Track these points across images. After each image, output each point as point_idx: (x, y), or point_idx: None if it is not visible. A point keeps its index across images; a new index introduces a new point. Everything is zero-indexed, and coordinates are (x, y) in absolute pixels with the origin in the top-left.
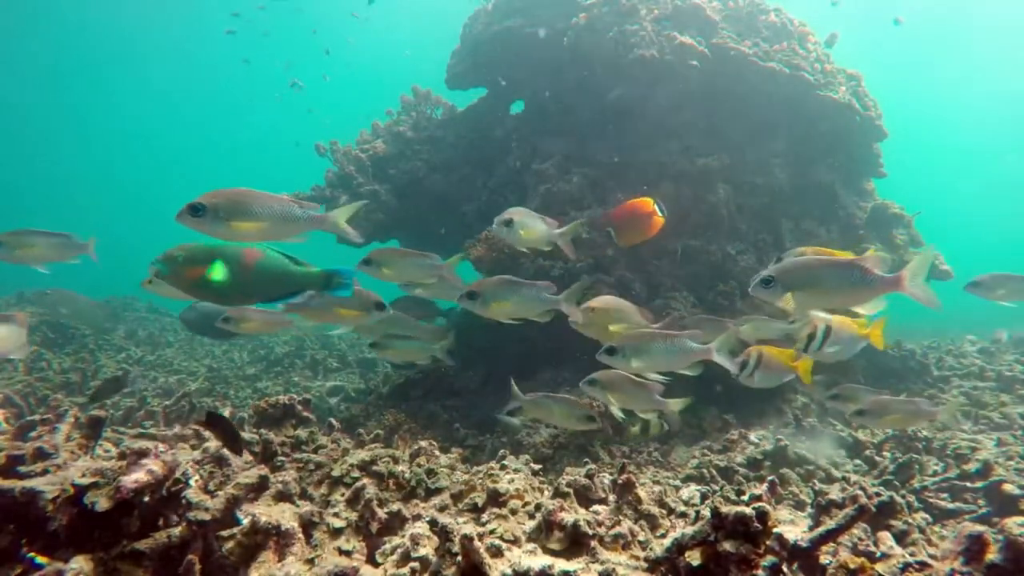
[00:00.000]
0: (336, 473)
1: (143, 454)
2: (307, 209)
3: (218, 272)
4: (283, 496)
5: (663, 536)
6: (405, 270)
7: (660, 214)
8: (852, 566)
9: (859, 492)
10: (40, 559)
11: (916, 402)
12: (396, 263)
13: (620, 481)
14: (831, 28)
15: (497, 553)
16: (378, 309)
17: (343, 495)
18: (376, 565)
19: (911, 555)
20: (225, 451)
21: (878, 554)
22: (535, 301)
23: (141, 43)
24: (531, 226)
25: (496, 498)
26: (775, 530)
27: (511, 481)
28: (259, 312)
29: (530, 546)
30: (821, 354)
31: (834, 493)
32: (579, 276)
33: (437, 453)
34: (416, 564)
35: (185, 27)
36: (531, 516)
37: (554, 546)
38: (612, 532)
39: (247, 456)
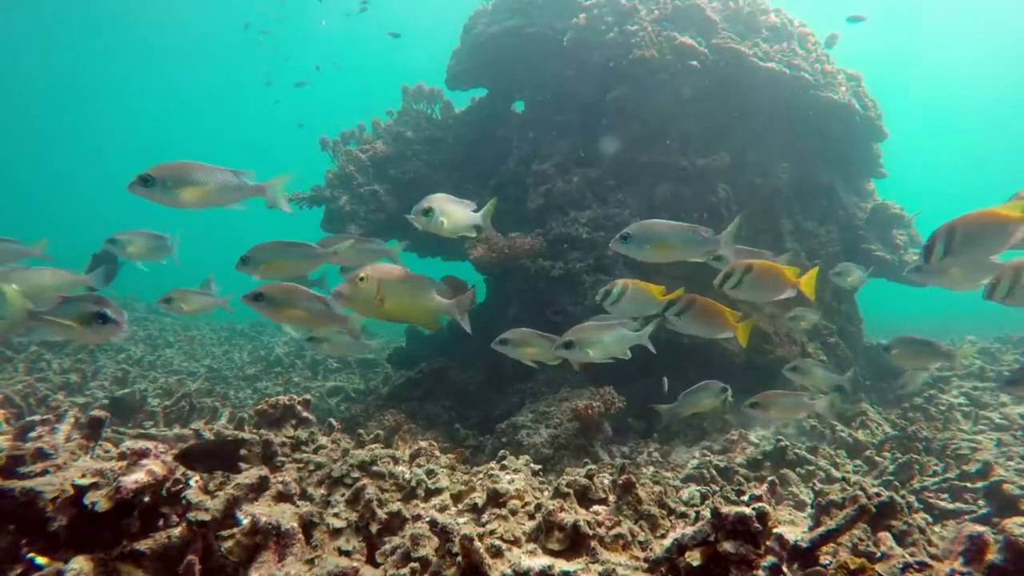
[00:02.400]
0: (336, 473)
1: (143, 454)
2: (244, 177)
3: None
4: (283, 496)
5: (663, 536)
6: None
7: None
8: (852, 566)
9: (859, 492)
10: (40, 559)
11: (798, 395)
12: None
13: (620, 481)
14: (831, 28)
15: (497, 553)
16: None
17: (343, 495)
18: (376, 565)
19: (911, 555)
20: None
21: (878, 554)
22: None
23: (151, 41)
24: (451, 212)
25: (496, 498)
26: (775, 530)
27: (511, 481)
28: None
29: (530, 546)
30: (735, 292)
31: (834, 494)
32: (579, 276)
33: (437, 454)
34: (416, 564)
35: (196, 27)
36: (531, 516)
37: (554, 546)
38: (612, 532)
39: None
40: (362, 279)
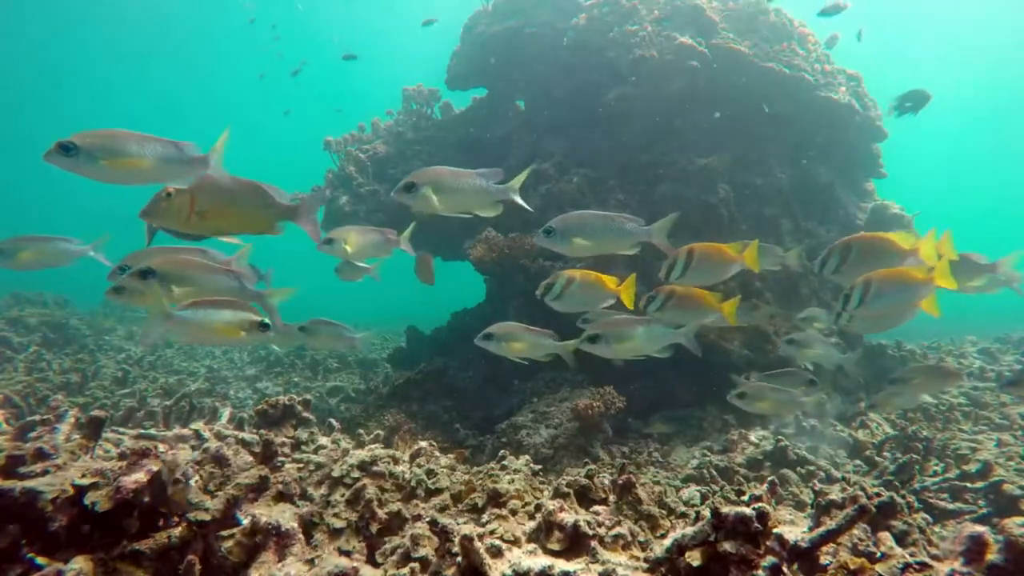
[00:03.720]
0: (336, 473)
1: (143, 454)
2: (187, 149)
3: None
4: (283, 496)
5: (663, 536)
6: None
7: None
8: (852, 566)
9: (859, 492)
10: (40, 559)
11: (788, 391)
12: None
13: (620, 481)
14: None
15: (497, 553)
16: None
17: (343, 495)
18: (376, 565)
19: (911, 555)
20: (224, 450)
21: (878, 554)
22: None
23: (141, 41)
24: (447, 184)
25: (496, 498)
26: (775, 530)
27: (511, 481)
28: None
29: (530, 546)
30: (682, 280)
31: (834, 493)
32: None
33: (437, 454)
34: (416, 564)
35: (187, 27)
36: (531, 516)
37: (554, 546)
38: (612, 532)
39: (247, 456)
40: (169, 194)
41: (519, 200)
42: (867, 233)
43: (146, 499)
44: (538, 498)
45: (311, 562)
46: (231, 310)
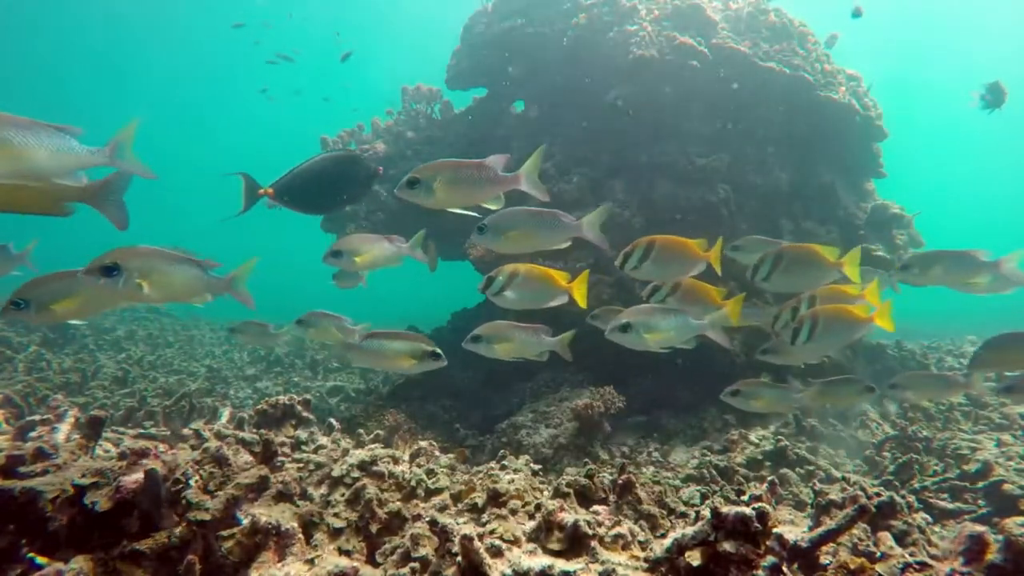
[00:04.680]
0: (336, 473)
1: (143, 454)
2: (70, 136)
3: None
4: (283, 496)
5: (663, 536)
6: None
7: None
8: (852, 566)
9: (859, 492)
10: (40, 559)
11: (784, 387)
12: None
13: (620, 481)
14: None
15: (497, 553)
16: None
17: (343, 495)
18: (376, 565)
19: (911, 555)
20: (224, 450)
21: (878, 554)
22: None
23: (143, 35)
24: (450, 177)
25: (496, 498)
26: (775, 530)
27: (511, 481)
28: None
29: (530, 546)
30: (637, 272)
31: (834, 493)
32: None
33: (437, 453)
34: (416, 564)
35: (188, 26)
36: (531, 516)
37: (554, 546)
38: (612, 532)
39: (247, 456)
40: None
41: (533, 189)
42: (796, 244)
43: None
44: (538, 498)
45: (311, 562)
46: (404, 341)
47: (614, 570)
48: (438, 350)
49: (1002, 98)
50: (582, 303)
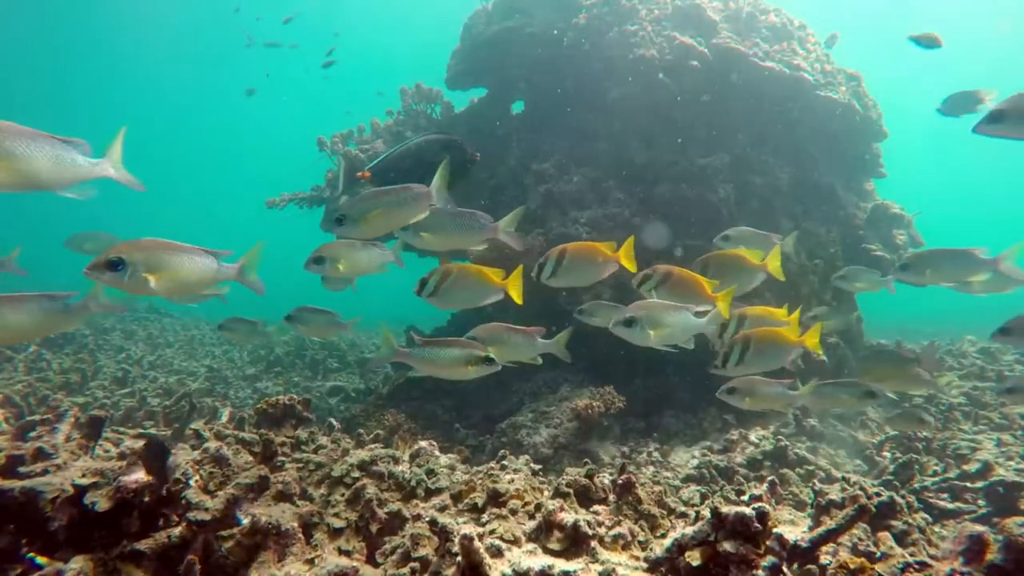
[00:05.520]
0: (336, 473)
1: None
2: (76, 148)
3: None
4: (283, 496)
5: (663, 536)
6: None
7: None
8: (852, 566)
9: (859, 492)
10: (40, 559)
11: (780, 383)
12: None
13: (620, 481)
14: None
15: (497, 553)
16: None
17: (343, 495)
18: (376, 565)
19: (911, 555)
20: (224, 450)
21: (878, 554)
22: None
23: (135, 33)
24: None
25: (496, 498)
26: (775, 530)
27: (511, 481)
28: None
29: (530, 546)
30: (554, 280)
31: (834, 493)
32: None
33: (437, 453)
34: (416, 564)
35: (184, 25)
36: (531, 516)
37: (554, 546)
38: (612, 532)
39: (247, 456)
40: None
41: (511, 240)
42: (723, 251)
43: (146, 499)
44: (538, 498)
45: (311, 562)
46: (459, 348)
47: (614, 570)
48: (492, 355)
49: (962, 108)
50: (518, 299)
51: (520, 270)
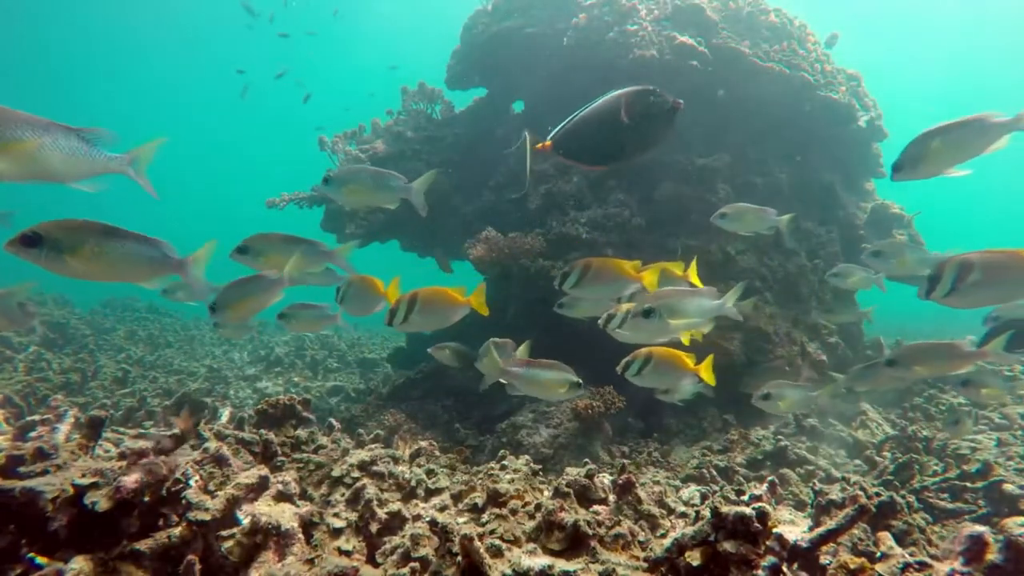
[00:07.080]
0: (336, 473)
1: (143, 454)
2: (96, 139)
3: None
4: (283, 496)
5: (663, 536)
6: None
7: None
8: (852, 566)
9: (859, 492)
10: (40, 559)
11: (804, 386)
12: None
13: (620, 481)
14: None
15: (497, 553)
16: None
17: (343, 495)
18: (376, 565)
19: (911, 555)
20: (224, 451)
21: (878, 554)
22: None
23: (142, 33)
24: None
25: (496, 498)
26: (775, 530)
27: (511, 481)
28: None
29: (530, 546)
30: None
31: (834, 493)
32: None
33: (437, 453)
34: (416, 564)
35: (192, 22)
36: (531, 516)
37: (554, 546)
38: (612, 532)
39: (247, 456)
40: None
41: (417, 200)
42: (602, 257)
43: (146, 499)
44: (538, 498)
45: (311, 562)
46: (556, 371)
47: (614, 570)
48: (581, 380)
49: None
50: (483, 311)
51: (483, 286)
